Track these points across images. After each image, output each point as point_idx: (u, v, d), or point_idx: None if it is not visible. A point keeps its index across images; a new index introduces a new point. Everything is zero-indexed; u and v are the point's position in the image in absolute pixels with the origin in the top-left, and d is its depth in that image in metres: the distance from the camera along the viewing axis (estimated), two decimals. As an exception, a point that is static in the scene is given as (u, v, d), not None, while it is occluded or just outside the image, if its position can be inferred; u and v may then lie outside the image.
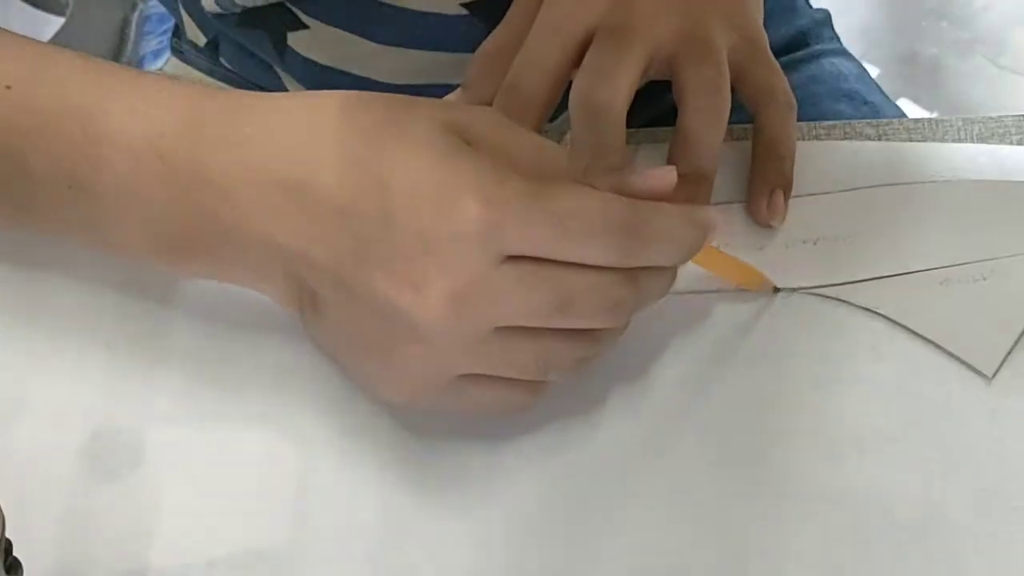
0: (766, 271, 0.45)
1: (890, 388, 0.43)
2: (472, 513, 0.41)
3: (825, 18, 0.74)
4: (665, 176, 0.38)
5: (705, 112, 0.45)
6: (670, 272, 0.39)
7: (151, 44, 1.06)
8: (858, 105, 0.69)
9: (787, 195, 0.46)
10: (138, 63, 1.09)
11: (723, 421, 0.43)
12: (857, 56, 0.72)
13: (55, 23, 1.18)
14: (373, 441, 0.43)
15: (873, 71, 1.55)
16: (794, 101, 0.47)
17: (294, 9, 0.58)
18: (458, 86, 0.60)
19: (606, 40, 0.44)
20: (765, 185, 0.46)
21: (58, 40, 1.14)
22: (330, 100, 0.38)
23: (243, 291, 0.46)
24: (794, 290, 0.45)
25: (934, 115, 1.54)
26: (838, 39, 0.75)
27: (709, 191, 0.46)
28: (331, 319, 0.39)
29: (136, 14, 1.09)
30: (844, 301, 0.45)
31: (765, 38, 0.48)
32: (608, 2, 0.45)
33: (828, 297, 0.45)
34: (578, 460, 0.42)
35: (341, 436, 0.43)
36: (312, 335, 0.41)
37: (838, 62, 0.72)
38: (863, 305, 0.44)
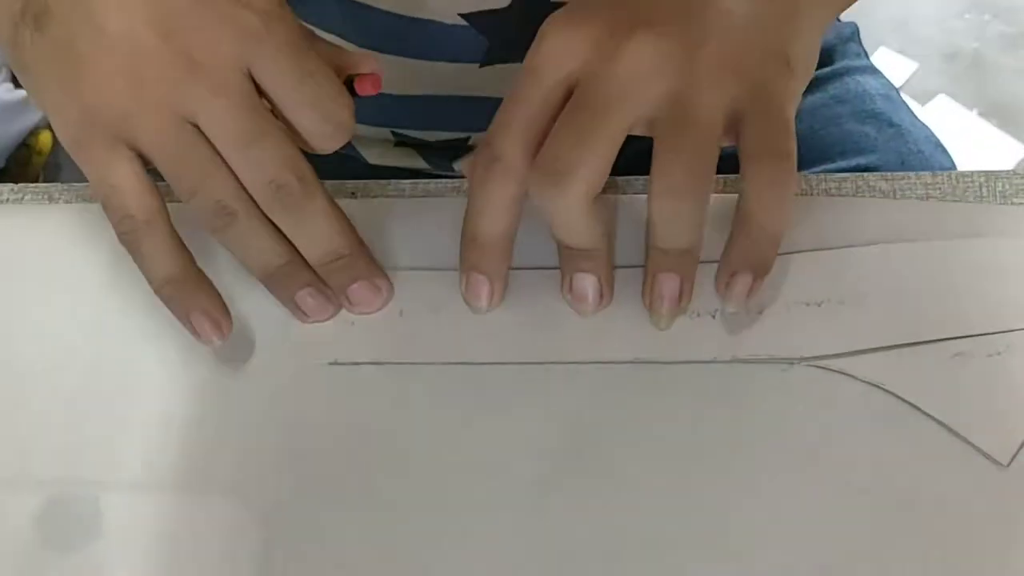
0: (767, 336, 0.42)
1: (895, 473, 0.39)
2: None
3: (852, 33, 0.70)
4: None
5: (668, 207, 0.40)
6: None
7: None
8: (882, 127, 0.66)
9: (760, 276, 0.40)
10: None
11: (711, 503, 0.39)
12: (895, 51, 0.68)
13: None
14: (343, 516, 0.40)
15: (911, 66, 1.50)
16: (790, 164, 0.40)
17: None
18: (458, 97, 0.58)
19: (567, 128, 0.40)
20: (727, 265, 0.41)
21: None
22: None
23: (212, 355, 0.44)
24: (793, 361, 0.42)
25: (973, 112, 1.48)
26: (865, 54, 0.72)
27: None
28: (56, 29, 0.40)
29: None
30: (848, 375, 0.41)
31: (788, 81, 0.41)
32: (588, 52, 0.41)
33: (831, 371, 0.41)
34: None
35: (309, 510, 0.41)
36: (20, 58, 0.41)
37: (864, 80, 0.69)
38: (868, 380, 0.41)
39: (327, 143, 0.42)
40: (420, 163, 0.65)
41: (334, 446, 0.42)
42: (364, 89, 0.44)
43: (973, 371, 0.40)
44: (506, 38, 0.55)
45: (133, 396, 0.44)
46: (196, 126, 0.40)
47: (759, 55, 0.41)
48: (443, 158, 0.64)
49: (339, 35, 0.56)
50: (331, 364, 0.43)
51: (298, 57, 0.41)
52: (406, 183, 0.48)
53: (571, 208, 0.40)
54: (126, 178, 0.40)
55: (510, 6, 0.53)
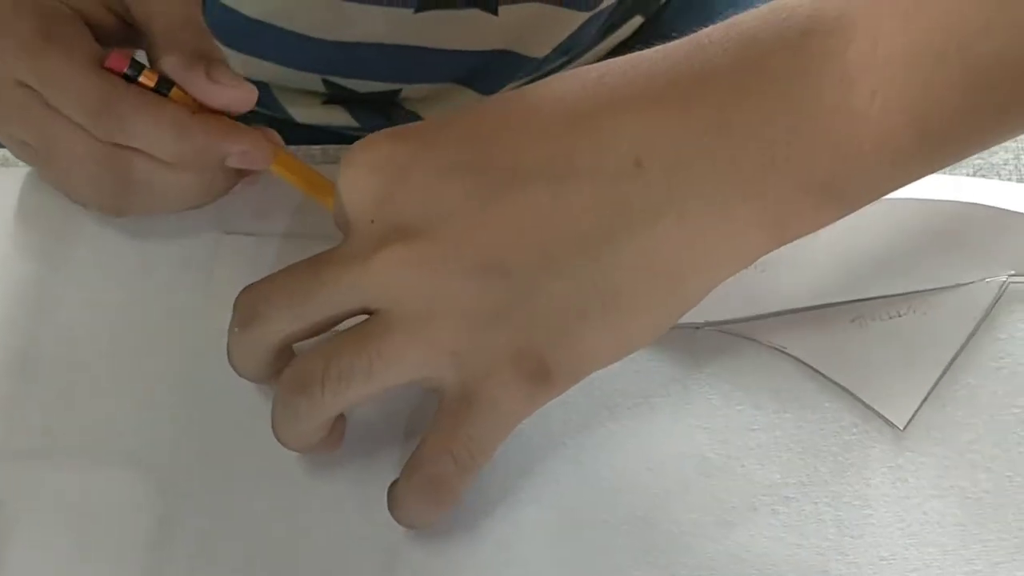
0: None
1: (789, 440, 0.39)
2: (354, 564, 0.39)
3: None
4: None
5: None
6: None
7: None
8: None
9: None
10: None
11: (614, 474, 0.40)
12: None
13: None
14: (242, 486, 0.40)
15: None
16: (445, 495, 0.37)
17: None
18: (391, 46, 0.57)
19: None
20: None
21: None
22: None
23: (114, 324, 0.44)
24: (699, 326, 0.42)
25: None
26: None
27: None
28: None
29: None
30: (751, 339, 0.41)
31: (526, 390, 0.36)
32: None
33: (734, 335, 0.41)
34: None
35: (207, 480, 0.41)
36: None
37: None
38: (771, 344, 0.41)
39: (193, 164, 0.43)
40: (350, 121, 0.64)
41: (238, 418, 0.42)
42: (114, 63, 0.41)
43: (872, 334, 0.41)
44: None
45: (34, 365, 0.43)
46: None
47: (495, 355, 0.35)
48: (373, 114, 0.63)
49: None
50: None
51: (73, 84, 0.41)
52: (316, 148, 0.47)
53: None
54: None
55: None
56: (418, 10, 0.55)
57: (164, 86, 0.42)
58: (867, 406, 0.40)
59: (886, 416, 0.39)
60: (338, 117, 0.64)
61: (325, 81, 0.62)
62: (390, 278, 0.35)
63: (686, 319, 0.41)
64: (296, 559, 0.39)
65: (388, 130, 0.37)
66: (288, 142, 0.48)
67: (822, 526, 0.38)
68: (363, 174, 0.36)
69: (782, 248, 0.41)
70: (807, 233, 0.37)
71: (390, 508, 0.38)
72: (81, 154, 0.42)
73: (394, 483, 0.38)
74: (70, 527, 0.40)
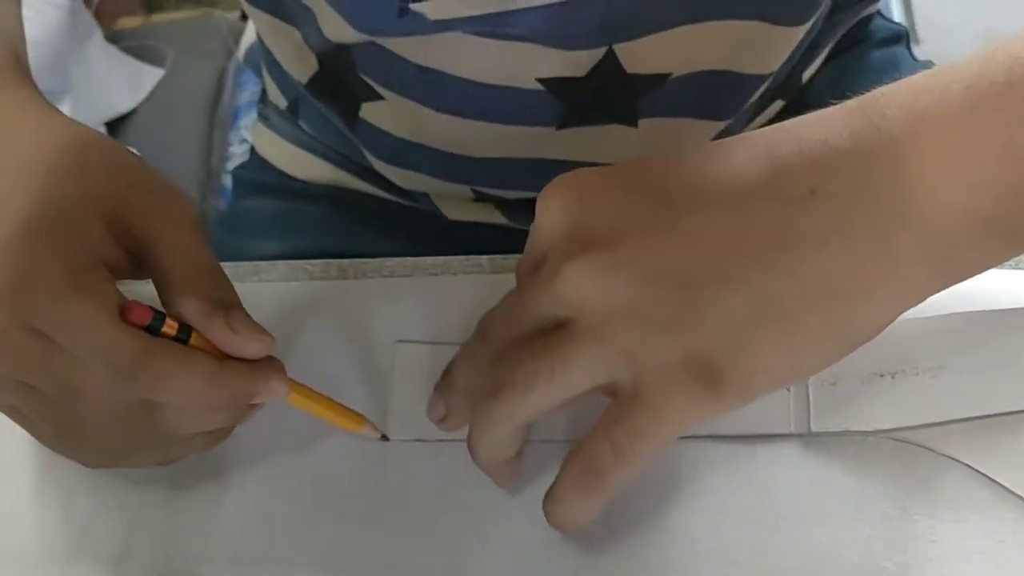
0: (842, 409, 0.42)
1: (972, 552, 0.39)
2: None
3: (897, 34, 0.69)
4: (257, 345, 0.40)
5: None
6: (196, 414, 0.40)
7: (246, 95, 1.08)
8: None
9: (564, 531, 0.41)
10: (234, 112, 1.11)
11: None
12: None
13: (155, 74, 1.20)
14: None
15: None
16: (602, 481, 0.38)
17: (368, 80, 0.58)
18: (535, 159, 0.58)
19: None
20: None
21: (159, 91, 1.17)
22: None
23: (298, 430, 0.46)
24: (869, 433, 0.42)
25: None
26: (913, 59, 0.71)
27: None
28: None
29: (232, 64, 1.10)
30: (924, 447, 0.41)
31: (699, 399, 0.38)
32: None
33: (907, 443, 0.42)
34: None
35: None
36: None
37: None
38: (946, 453, 0.41)
39: (224, 411, 0.41)
40: (500, 218, 0.66)
41: (419, 524, 0.43)
42: (136, 316, 0.38)
43: (1051, 444, 0.40)
44: (582, 104, 0.56)
45: (228, 476, 0.46)
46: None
47: (670, 358, 0.37)
48: (523, 213, 0.65)
49: (416, 100, 0.58)
50: (415, 441, 0.45)
51: (98, 343, 0.38)
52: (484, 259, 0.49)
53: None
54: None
55: (587, 75, 0.54)
56: (560, 127, 0.57)
57: (183, 332, 0.39)
58: (1050, 517, 0.39)
59: (1069, 529, 0.39)
60: (489, 215, 0.66)
61: (474, 191, 0.64)
62: (575, 286, 0.38)
63: (856, 426, 0.42)
64: None
65: (581, 169, 0.41)
66: (439, 237, 0.50)
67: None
68: (556, 200, 0.40)
69: (953, 355, 0.42)
70: (974, 272, 0.38)
71: (545, 503, 0.40)
72: (109, 407, 0.39)
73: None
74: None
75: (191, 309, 0.39)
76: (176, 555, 0.44)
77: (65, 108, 1.21)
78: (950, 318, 0.43)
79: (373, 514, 0.44)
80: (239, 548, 0.44)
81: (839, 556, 0.40)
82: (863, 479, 0.41)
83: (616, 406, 0.38)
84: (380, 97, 0.58)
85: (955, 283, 0.38)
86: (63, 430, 0.41)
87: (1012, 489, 0.40)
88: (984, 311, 0.43)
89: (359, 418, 0.44)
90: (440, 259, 0.49)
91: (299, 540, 0.44)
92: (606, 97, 0.55)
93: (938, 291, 0.38)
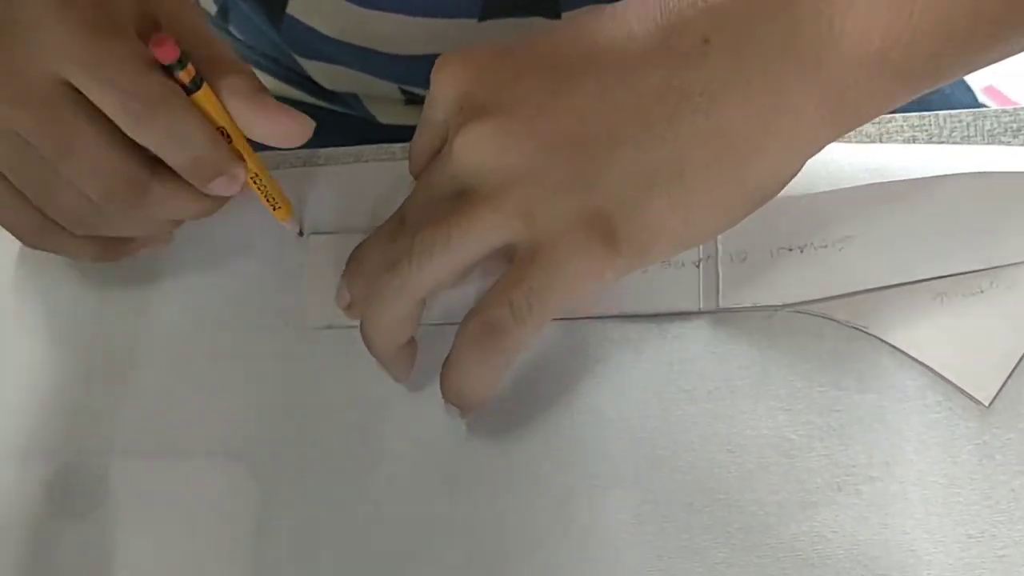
0: (750, 284, 0.42)
1: (873, 420, 0.39)
2: (437, 556, 0.40)
3: None
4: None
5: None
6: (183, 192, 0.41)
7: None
8: None
9: (465, 412, 0.40)
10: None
11: (695, 457, 0.40)
12: None
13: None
14: (338, 480, 0.42)
15: None
16: (502, 342, 0.38)
17: None
18: None
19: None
20: (442, 387, 0.40)
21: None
22: None
23: (211, 321, 0.45)
24: (777, 308, 0.42)
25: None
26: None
27: None
28: None
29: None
30: (830, 319, 0.41)
31: (592, 253, 0.37)
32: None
33: (813, 315, 0.41)
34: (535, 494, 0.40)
35: (305, 474, 0.42)
36: None
37: None
38: (851, 323, 0.41)
39: (194, 176, 0.41)
40: None
41: (331, 409, 0.43)
42: (161, 48, 0.38)
43: (955, 311, 0.40)
44: None
45: (137, 366, 0.45)
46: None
47: (568, 217, 0.37)
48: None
49: None
50: (326, 328, 0.45)
51: (119, 82, 0.38)
52: (397, 147, 0.49)
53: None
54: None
55: None
56: (481, 19, 0.56)
57: (195, 83, 0.39)
58: (951, 383, 0.39)
59: (971, 393, 0.39)
60: (419, 116, 0.65)
61: (401, 89, 0.63)
62: (472, 151, 0.38)
63: (763, 301, 0.42)
64: (389, 546, 0.40)
65: (474, 45, 0.40)
66: (372, 142, 0.49)
67: (908, 505, 0.38)
68: (448, 72, 0.40)
69: (861, 226, 0.41)
70: (868, 116, 0.37)
71: (443, 374, 0.39)
72: (98, 165, 0.40)
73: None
74: (178, 520, 0.42)
75: (235, 84, 0.40)
76: (82, 448, 0.44)
77: None
78: (860, 190, 0.43)
79: (284, 402, 0.44)
80: (145, 438, 0.44)
81: (742, 427, 0.40)
82: (768, 352, 0.41)
83: (514, 268, 0.38)
84: None
85: (852, 128, 0.37)
86: (35, 189, 0.41)
87: (915, 356, 0.40)
88: (892, 181, 0.42)
89: (290, 208, 0.45)
90: (354, 148, 0.49)
91: (208, 430, 0.44)
92: None
93: (835, 138, 0.37)
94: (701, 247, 0.43)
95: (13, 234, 0.43)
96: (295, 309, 0.45)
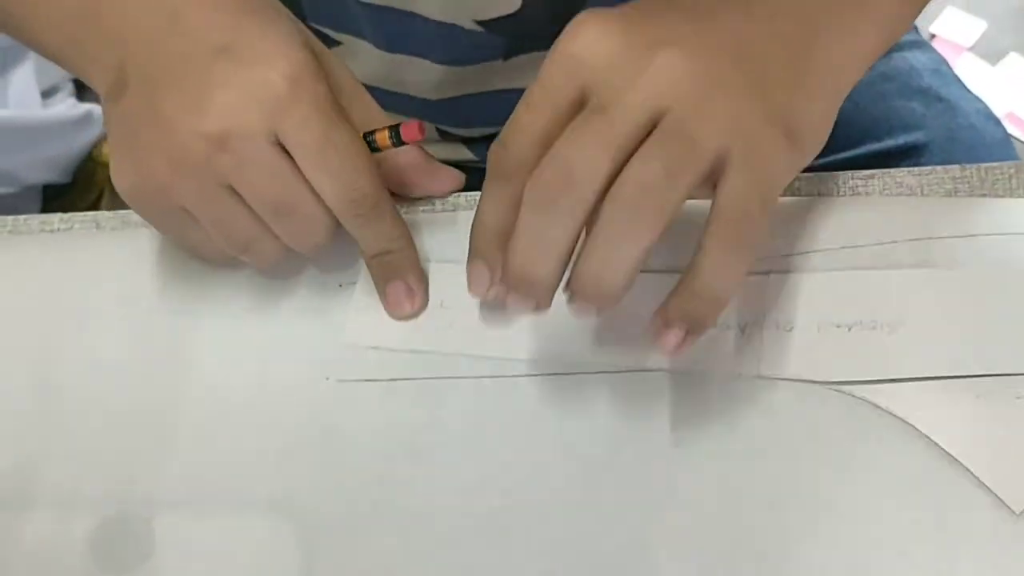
0: (793, 356, 0.42)
1: (909, 509, 0.39)
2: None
3: None
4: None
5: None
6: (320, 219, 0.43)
7: None
8: (931, 102, 0.66)
9: (693, 334, 0.39)
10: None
11: (728, 512, 0.40)
12: (963, 10, 0.66)
13: None
14: (379, 526, 0.42)
15: (980, 26, 1.46)
16: (753, 233, 0.39)
17: (319, 28, 0.58)
18: (489, 93, 0.59)
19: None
20: (664, 313, 0.39)
21: None
22: None
23: (250, 372, 0.46)
24: (821, 384, 0.42)
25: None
26: (915, 29, 0.70)
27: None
28: (126, 102, 0.43)
29: None
30: (871, 403, 0.41)
31: (784, 153, 0.40)
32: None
33: (855, 397, 0.41)
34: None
35: (347, 520, 0.42)
36: (104, 117, 0.44)
37: (912, 56, 0.68)
38: (891, 411, 0.41)
39: (347, 211, 0.43)
40: (467, 155, 0.66)
41: (375, 459, 0.43)
42: (410, 135, 0.44)
43: (994, 413, 0.40)
44: (522, 35, 0.55)
45: (180, 415, 0.45)
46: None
47: (760, 118, 0.39)
48: (487, 149, 0.65)
49: (367, 39, 0.58)
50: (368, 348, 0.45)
51: (322, 125, 0.41)
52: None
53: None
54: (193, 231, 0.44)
55: (521, 8, 0.53)
56: (506, 59, 0.57)
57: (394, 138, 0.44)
58: (984, 486, 0.39)
59: (1003, 498, 0.39)
60: (456, 152, 0.66)
61: (438, 130, 0.64)
62: (668, 77, 0.39)
63: (805, 375, 0.42)
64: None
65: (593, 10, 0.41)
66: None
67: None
68: (593, 26, 0.40)
69: (912, 311, 0.41)
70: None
71: (692, 279, 0.39)
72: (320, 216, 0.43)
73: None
74: (223, 572, 0.42)
75: (417, 151, 0.48)
76: (125, 498, 0.44)
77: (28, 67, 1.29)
78: (912, 274, 0.43)
79: (328, 453, 0.44)
80: (187, 490, 0.44)
81: (740, 493, 0.41)
82: (806, 428, 0.41)
83: (730, 177, 0.38)
84: (336, 43, 0.59)
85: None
86: (234, 236, 0.44)
87: (954, 454, 0.40)
88: (950, 271, 0.43)
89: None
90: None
91: (252, 480, 0.44)
92: (544, 27, 0.54)
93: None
94: (745, 312, 0.43)
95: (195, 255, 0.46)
96: (338, 361, 0.45)
